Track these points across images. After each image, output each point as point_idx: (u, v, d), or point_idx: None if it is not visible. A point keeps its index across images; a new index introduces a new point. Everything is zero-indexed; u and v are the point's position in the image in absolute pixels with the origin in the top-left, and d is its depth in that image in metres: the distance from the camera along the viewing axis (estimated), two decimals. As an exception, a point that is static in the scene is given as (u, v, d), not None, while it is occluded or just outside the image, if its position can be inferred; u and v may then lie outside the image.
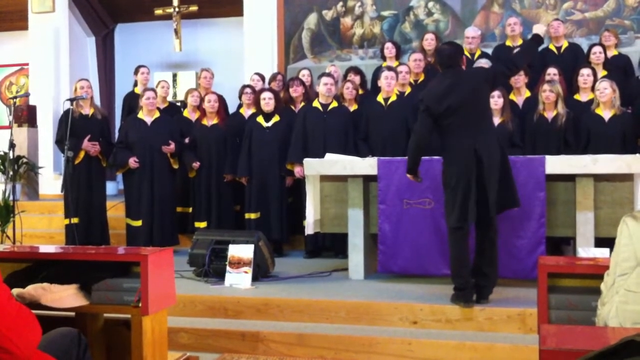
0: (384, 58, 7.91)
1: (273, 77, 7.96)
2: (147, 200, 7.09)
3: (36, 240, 7.95)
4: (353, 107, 7.06)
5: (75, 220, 7.01)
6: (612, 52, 7.35)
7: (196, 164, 7.20)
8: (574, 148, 6.29)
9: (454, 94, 4.67)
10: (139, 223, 7.11)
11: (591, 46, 7.24)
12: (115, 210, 7.68)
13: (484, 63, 7.11)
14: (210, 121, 7.32)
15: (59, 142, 7.18)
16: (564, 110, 6.40)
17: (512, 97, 6.82)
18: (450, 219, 4.70)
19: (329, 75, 7.14)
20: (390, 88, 6.76)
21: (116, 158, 7.26)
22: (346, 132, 6.88)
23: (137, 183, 7.14)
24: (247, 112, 7.49)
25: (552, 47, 7.55)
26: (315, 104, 7.00)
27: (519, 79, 6.77)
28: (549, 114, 6.44)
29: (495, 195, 4.61)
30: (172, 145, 7.11)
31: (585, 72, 6.66)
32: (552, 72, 6.79)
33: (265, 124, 7.06)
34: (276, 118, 7.06)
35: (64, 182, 6.71)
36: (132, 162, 7.07)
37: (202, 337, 4.69)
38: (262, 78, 7.99)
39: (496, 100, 6.40)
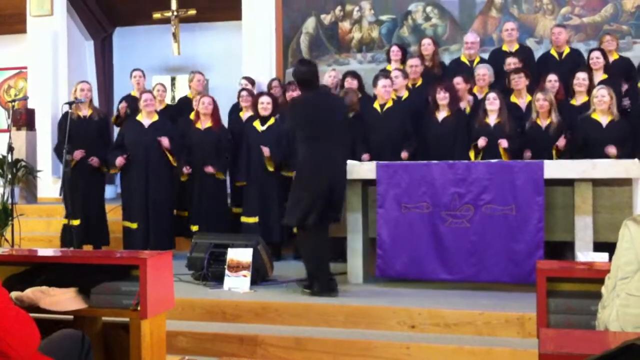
0: (389, 61, 7.89)
1: (270, 84, 7.98)
2: (142, 202, 7.06)
3: (35, 243, 7.93)
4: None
5: (74, 222, 6.99)
6: (612, 57, 7.36)
7: (186, 169, 7.15)
8: (567, 155, 6.29)
9: (324, 111, 5.34)
10: (134, 226, 7.10)
11: (590, 51, 7.24)
12: (113, 214, 7.67)
13: (483, 68, 7.13)
14: (204, 124, 7.29)
15: (58, 148, 7.16)
16: (557, 118, 6.40)
17: (513, 99, 6.82)
18: (299, 218, 5.21)
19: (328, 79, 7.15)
20: (388, 95, 6.77)
21: (108, 160, 7.24)
22: None
23: (133, 185, 7.13)
24: (245, 115, 7.48)
25: (553, 52, 7.56)
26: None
27: (520, 82, 6.78)
28: (543, 122, 6.44)
29: (341, 203, 5.37)
30: (167, 140, 7.05)
31: (580, 75, 6.67)
32: (552, 78, 6.81)
33: (260, 128, 7.05)
34: (271, 121, 7.05)
35: (63, 185, 6.70)
36: (120, 160, 7.04)
37: (201, 341, 4.68)
38: (252, 82, 7.99)
39: (492, 102, 6.43)
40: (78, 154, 7.06)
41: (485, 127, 6.46)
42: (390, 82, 6.82)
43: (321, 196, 5.17)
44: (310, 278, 5.31)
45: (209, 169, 7.07)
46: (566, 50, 7.51)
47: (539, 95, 6.41)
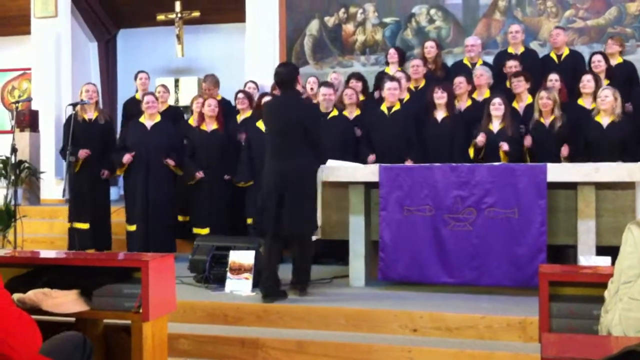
0: (387, 64, 7.91)
1: (274, 86, 7.99)
2: (142, 204, 7.06)
3: (37, 245, 7.94)
4: (355, 113, 7.07)
5: (77, 225, 6.99)
6: (616, 60, 7.35)
7: (199, 174, 7.13)
8: (572, 153, 6.28)
9: (282, 115, 5.34)
10: (134, 228, 7.10)
11: (592, 55, 7.24)
12: (117, 215, 7.68)
13: (481, 69, 7.13)
14: (210, 126, 7.30)
15: (63, 150, 7.18)
16: (560, 113, 6.40)
17: (513, 104, 6.81)
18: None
19: (328, 85, 7.13)
20: (394, 98, 6.77)
21: (114, 161, 7.24)
22: (345, 140, 6.87)
23: (134, 187, 7.13)
24: (241, 117, 7.49)
25: (552, 55, 7.56)
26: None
27: (520, 85, 6.78)
28: (546, 121, 6.44)
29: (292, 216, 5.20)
30: (171, 161, 7.10)
31: (585, 78, 6.68)
32: (553, 77, 6.80)
33: (264, 128, 7.04)
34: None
35: (65, 187, 6.71)
36: (127, 157, 7.04)
37: (202, 344, 4.68)
38: (257, 86, 8.01)
39: (497, 107, 6.41)
40: (83, 153, 7.08)
41: (488, 133, 6.45)
42: (397, 85, 6.82)
43: (269, 201, 5.27)
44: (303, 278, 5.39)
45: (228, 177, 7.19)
46: (565, 52, 7.51)
47: (543, 94, 6.40)
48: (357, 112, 7.09)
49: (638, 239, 2.30)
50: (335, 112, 6.98)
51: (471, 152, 6.49)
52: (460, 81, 6.91)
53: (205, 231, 7.07)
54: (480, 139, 6.37)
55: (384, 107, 6.84)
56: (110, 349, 3.64)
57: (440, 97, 6.66)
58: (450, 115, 6.72)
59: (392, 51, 7.87)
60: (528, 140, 6.42)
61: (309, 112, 5.51)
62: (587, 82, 6.64)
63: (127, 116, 8.11)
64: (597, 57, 7.05)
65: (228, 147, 7.26)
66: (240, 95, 7.55)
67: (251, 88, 7.92)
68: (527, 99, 6.83)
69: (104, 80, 10.89)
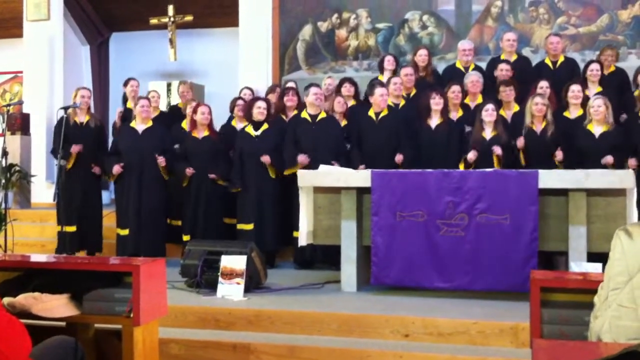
0: (381, 70, 7.89)
1: (272, 89, 8.00)
2: (134, 209, 7.03)
3: (28, 249, 7.90)
4: (343, 123, 7.07)
5: (67, 228, 6.97)
6: (609, 70, 7.37)
7: (189, 170, 7.09)
8: (565, 163, 6.29)
9: None
10: (126, 232, 7.08)
11: (588, 63, 7.22)
12: (107, 220, 7.65)
13: (475, 75, 7.15)
14: (201, 133, 7.27)
15: (54, 151, 7.17)
16: (552, 119, 6.41)
17: (501, 112, 6.80)
18: None
19: (317, 85, 7.15)
20: (384, 104, 6.77)
21: (105, 167, 7.23)
22: (336, 142, 6.87)
23: (126, 192, 7.11)
24: (239, 124, 7.48)
25: (547, 61, 7.58)
26: (304, 114, 6.99)
27: (511, 94, 6.79)
28: (538, 127, 6.45)
29: None
30: (162, 159, 7.07)
31: (575, 88, 6.63)
32: (543, 85, 6.81)
33: (254, 133, 7.04)
34: (265, 126, 7.03)
35: (57, 190, 6.69)
36: (117, 168, 7.04)
37: (193, 348, 4.66)
38: (253, 92, 8.02)
39: (490, 113, 6.42)
40: (75, 148, 7.07)
41: (481, 140, 6.46)
42: (387, 91, 6.83)
43: None
44: None
45: (212, 176, 7.08)
46: (560, 59, 7.53)
47: (538, 99, 6.39)
48: (344, 122, 7.09)
49: (626, 246, 2.31)
50: (323, 114, 6.96)
51: (461, 166, 6.47)
52: (458, 90, 6.90)
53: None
54: (471, 156, 6.38)
55: (371, 113, 6.85)
56: (101, 353, 3.62)
57: (437, 102, 6.66)
58: (445, 122, 6.72)
59: (390, 58, 7.83)
60: (520, 142, 6.41)
61: None
62: (577, 93, 6.61)
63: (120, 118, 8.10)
64: (595, 66, 7.00)
65: (219, 154, 7.24)
66: (240, 102, 7.55)
67: (247, 95, 7.91)
68: (514, 107, 6.84)
69: (97, 83, 10.87)
